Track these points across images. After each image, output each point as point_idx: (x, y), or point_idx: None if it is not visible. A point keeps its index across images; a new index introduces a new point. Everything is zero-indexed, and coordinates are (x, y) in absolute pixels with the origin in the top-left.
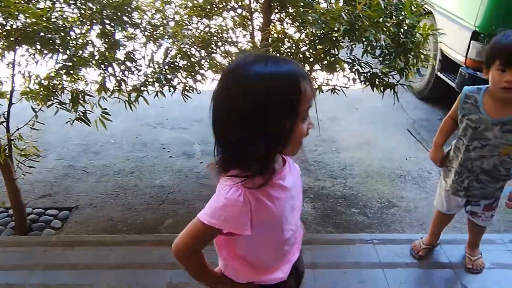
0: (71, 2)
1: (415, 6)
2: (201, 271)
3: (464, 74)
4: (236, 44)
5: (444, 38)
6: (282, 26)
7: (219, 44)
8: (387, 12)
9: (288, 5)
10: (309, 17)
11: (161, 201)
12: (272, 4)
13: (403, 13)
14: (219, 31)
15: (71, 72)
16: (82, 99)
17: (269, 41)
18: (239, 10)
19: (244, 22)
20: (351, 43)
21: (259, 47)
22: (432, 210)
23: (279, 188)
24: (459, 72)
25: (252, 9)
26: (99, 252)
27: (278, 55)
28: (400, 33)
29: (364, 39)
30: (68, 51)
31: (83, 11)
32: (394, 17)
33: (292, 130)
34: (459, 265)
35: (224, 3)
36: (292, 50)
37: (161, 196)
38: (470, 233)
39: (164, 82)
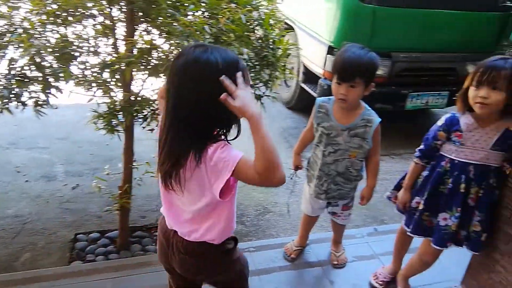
0: None
1: (274, 21)
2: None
3: (323, 85)
4: (97, 54)
5: (305, 52)
6: (151, 37)
7: (77, 54)
8: (250, 27)
9: (153, 16)
10: (176, 29)
11: (15, 233)
12: (135, 14)
13: (264, 27)
14: (79, 40)
15: None
16: None
17: (134, 51)
18: (101, 18)
19: (106, 31)
20: None
21: (122, 58)
22: (302, 212)
23: None
24: (318, 83)
25: (115, 18)
26: None
27: (145, 66)
28: (263, 47)
29: None
30: None
31: None
32: (256, 32)
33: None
34: (326, 262)
35: (82, 10)
36: (162, 62)
37: (15, 227)
38: (333, 231)
39: (11, 97)
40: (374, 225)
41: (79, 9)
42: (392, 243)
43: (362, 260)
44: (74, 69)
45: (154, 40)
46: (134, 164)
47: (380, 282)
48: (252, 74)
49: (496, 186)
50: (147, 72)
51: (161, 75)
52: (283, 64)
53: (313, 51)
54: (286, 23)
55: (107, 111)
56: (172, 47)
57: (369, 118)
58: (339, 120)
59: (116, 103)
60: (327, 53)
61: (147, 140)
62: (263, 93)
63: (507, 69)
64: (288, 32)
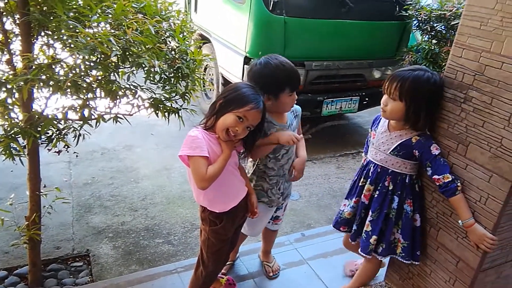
0: None
1: (186, 32)
2: (216, 167)
3: None
4: None
5: (223, 63)
6: (54, 52)
7: None
8: (161, 38)
9: (53, 28)
10: (79, 42)
11: None
12: (32, 27)
13: (176, 39)
14: None
15: None
16: None
17: (32, 67)
18: None
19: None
20: (131, 69)
21: (18, 75)
22: None
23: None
24: None
25: (8, 32)
26: None
27: (45, 82)
28: (176, 59)
29: (143, 65)
30: None
31: None
32: (169, 43)
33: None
34: (257, 273)
35: None
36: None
37: None
38: (266, 242)
39: None
40: (301, 230)
41: None
42: (319, 247)
43: (291, 267)
44: None
45: (58, 54)
46: (42, 190)
47: (351, 271)
48: (168, 87)
49: (394, 192)
50: (50, 89)
51: (68, 91)
52: (200, 75)
53: (230, 62)
54: (202, 35)
55: (3, 134)
56: (78, 61)
57: (294, 108)
58: (280, 122)
59: (16, 125)
60: (244, 63)
61: (57, 163)
62: (181, 106)
63: (404, 81)
64: (198, 42)
